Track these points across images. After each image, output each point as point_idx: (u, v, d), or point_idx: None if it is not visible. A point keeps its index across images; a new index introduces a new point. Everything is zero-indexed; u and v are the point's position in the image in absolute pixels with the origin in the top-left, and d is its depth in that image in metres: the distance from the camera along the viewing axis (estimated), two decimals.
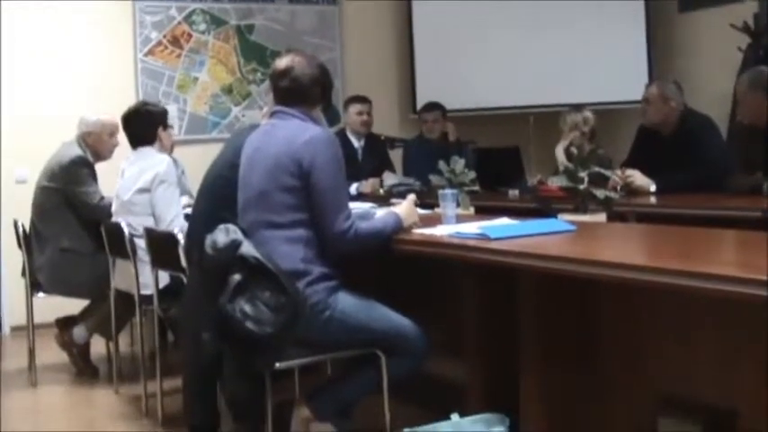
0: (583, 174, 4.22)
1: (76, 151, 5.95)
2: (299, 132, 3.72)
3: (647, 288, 2.76)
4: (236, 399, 3.81)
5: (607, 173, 4.32)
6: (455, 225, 3.98)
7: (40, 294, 5.91)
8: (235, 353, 3.56)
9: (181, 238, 4.48)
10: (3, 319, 7.56)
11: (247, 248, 3.50)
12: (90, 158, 5.98)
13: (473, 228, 3.66)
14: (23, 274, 6.00)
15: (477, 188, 5.86)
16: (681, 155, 5.49)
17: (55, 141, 6.20)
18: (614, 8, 8.42)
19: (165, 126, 5.79)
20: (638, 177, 5.46)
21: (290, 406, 3.91)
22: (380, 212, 4.12)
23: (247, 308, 3.43)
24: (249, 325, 3.41)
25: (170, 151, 6.16)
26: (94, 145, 6.06)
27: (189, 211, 5.04)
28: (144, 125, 5.59)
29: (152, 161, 5.46)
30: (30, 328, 5.93)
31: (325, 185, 3.64)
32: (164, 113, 5.83)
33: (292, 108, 3.83)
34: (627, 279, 2.74)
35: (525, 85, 8.55)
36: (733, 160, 5.40)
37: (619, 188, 5.06)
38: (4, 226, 6.83)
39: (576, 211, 4.26)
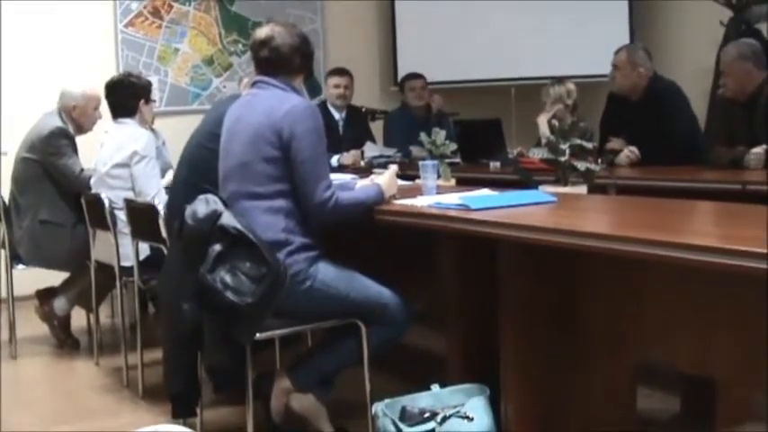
0: (564, 146, 4.22)
1: (57, 122, 5.89)
2: (280, 102, 3.71)
3: (627, 258, 2.76)
4: (217, 369, 3.80)
5: (588, 145, 4.31)
6: (436, 196, 3.98)
7: (20, 266, 5.87)
8: (215, 323, 3.56)
9: (161, 209, 4.46)
10: None
11: (228, 219, 3.49)
12: (70, 130, 5.92)
13: (454, 198, 3.67)
14: (3, 246, 5.97)
15: (458, 160, 5.87)
16: (649, 121, 5.52)
17: (35, 112, 6.14)
18: None
19: (148, 99, 5.72)
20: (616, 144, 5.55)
21: (271, 377, 3.92)
22: (361, 183, 4.12)
23: (228, 278, 3.43)
24: (229, 295, 3.41)
25: (151, 123, 6.12)
26: (78, 117, 5.98)
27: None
28: (125, 96, 5.54)
29: (131, 135, 5.43)
30: (10, 301, 5.91)
31: (306, 155, 3.63)
32: (147, 86, 5.77)
33: (273, 78, 3.82)
34: (606, 249, 2.75)
35: (507, 58, 8.53)
36: (699, 126, 5.46)
37: (600, 160, 5.07)
38: None
39: (556, 182, 4.26)
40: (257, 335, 3.58)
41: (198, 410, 4.10)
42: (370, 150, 7.04)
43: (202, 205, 3.55)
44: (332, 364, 3.88)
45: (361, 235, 3.92)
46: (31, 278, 5.95)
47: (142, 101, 5.62)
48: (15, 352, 5.85)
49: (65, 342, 5.98)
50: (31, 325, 6.07)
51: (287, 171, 3.64)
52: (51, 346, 6.01)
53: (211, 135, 4.13)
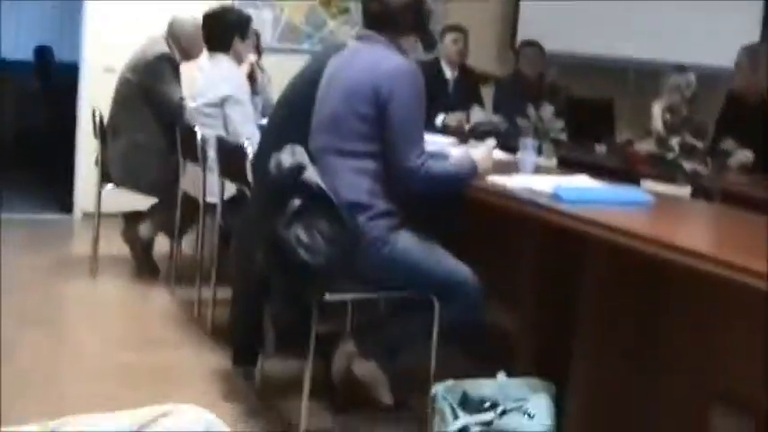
0: (674, 142, 4.03)
1: (163, 48, 5.84)
2: (383, 60, 3.58)
3: (719, 282, 2.58)
4: (283, 323, 3.74)
5: (699, 144, 4.11)
6: (531, 177, 3.82)
7: (109, 186, 5.88)
8: (284, 279, 3.48)
9: (251, 151, 4.38)
10: (75, 205, 7.59)
11: (311, 174, 3.39)
12: (176, 57, 5.87)
13: (547, 184, 3.49)
14: (96, 163, 5.98)
15: (563, 138, 5.68)
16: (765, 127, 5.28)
17: (144, 34, 6.12)
18: None
19: (244, 37, 5.54)
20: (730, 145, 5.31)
21: (336, 338, 3.84)
22: (455, 153, 3.99)
23: (302, 235, 3.33)
24: (302, 253, 3.32)
25: (257, 59, 6.03)
26: (186, 45, 5.94)
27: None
28: (219, 30, 5.45)
29: (223, 74, 5.35)
30: (96, 218, 5.92)
31: (402, 118, 3.50)
32: (243, 22, 5.59)
33: (380, 34, 3.68)
34: (693, 268, 2.57)
35: (632, 37, 8.25)
36: None
37: (709, 160, 4.84)
38: (85, 113, 6.95)
39: (660, 179, 4.07)
40: (327, 296, 3.49)
41: (259, 359, 4.04)
42: (477, 115, 6.87)
43: (288, 156, 3.45)
44: (400, 335, 3.78)
45: (442, 206, 3.79)
46: (120, 199, 5.94)
47: (237, 37, 5.50)
48: (96, 269, 5.87)
49: (145, 266, 5.98)
50: (117, 244, 6.05)
51: (379, 131, 3.51)
52: (131, 268, 6.01)
53: (311, 82, 4.01)
